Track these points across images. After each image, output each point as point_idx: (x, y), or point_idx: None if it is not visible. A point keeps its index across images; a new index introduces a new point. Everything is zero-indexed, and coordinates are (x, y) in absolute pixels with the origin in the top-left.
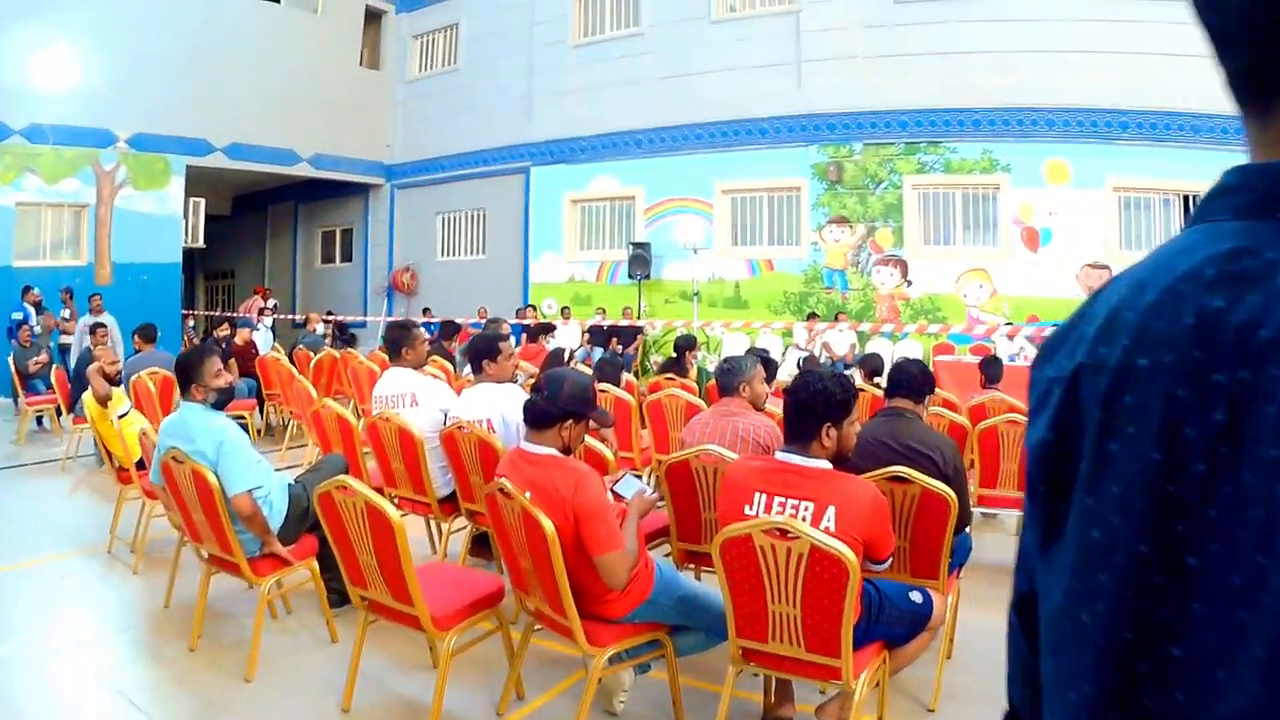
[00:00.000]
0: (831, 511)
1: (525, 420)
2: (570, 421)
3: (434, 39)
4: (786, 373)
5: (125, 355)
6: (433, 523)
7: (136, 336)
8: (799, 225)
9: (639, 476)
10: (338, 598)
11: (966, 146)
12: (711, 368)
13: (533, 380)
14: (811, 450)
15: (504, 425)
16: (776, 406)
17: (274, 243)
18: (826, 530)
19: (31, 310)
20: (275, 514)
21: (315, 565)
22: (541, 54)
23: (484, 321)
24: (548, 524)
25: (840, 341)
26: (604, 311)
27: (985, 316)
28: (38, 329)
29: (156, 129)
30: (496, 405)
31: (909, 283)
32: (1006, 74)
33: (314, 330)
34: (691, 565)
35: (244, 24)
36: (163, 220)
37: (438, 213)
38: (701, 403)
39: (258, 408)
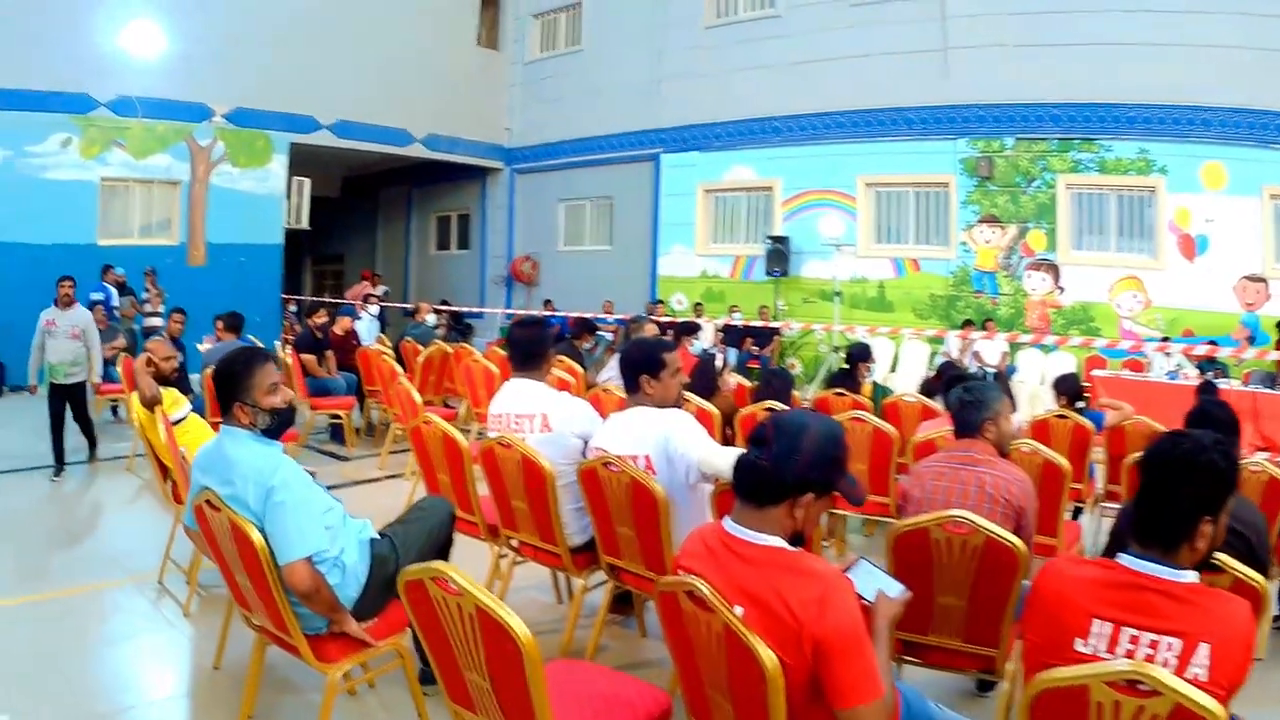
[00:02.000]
0: (1204, 651)
1: (738, 490)
2: (810, 496)
3: (555, 19)
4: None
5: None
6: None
7: (219, 324)
8: (947, 223)
9: (877, 565)
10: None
11: (1122, 145)
12: (880, 378)
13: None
14: (1180, 557)
15: (667, 465)
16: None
17: (386, 227)
18: (1195, 680)
19: (113, 291)
20: (350, 578)
21: (406, 643)
22: (671, 35)
23: (619, 319)
24: (768, 658)
25: (991, 349)
26: (738, 309)
27: (1139, 329)
28: (118, 311)
29: (256, 104)
30: (658, 437)
31: (1060, 289)
32: (1162, 68)
33: (423, 320)
34: (909, 659)
35: None
36: (264, 200)
37: (560, 199)
38: (885, 427)
39: (357, 405)
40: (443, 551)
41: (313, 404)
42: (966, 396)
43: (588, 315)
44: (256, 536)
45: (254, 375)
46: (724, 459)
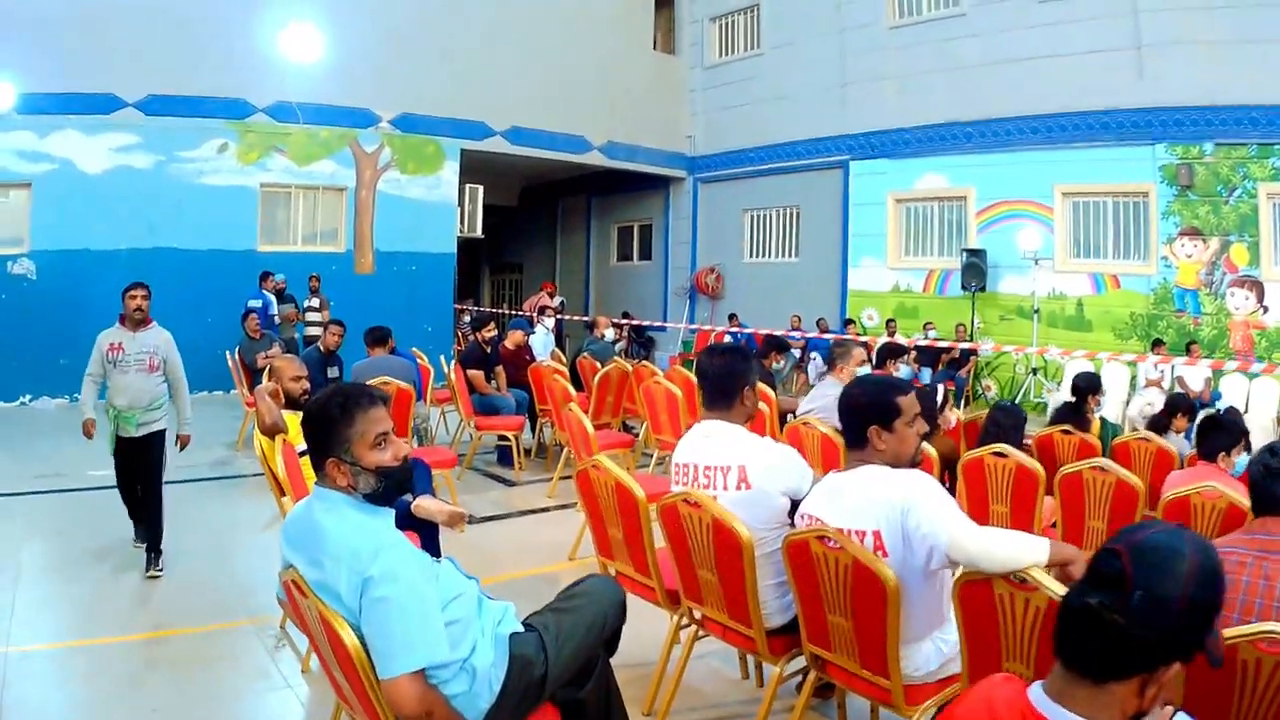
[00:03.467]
0: None
1: (1064, 652)
2: (1176, 666)
3: (733, 21)
4: (1138, 411)
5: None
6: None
7: (366, 342)
8: (1148, 236)
9: None
10: None
11: None
12: (1113, 414)
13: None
14: None
15: (902, 544)
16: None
17: (565, 237)
18: None
19: (272, 298)
20: (482, 685)
21: None
22: (853, 37)
23: (817, 337)
24: None
25: (1195, 375)
26: (933, 326)
27: None
28: (276, 319)
29: (424, 109)
30: (893, 509)
31: (1264, 308)
32: None
33: (601, 336)
34: None
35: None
36: (435, 207)
37: (745, 209)
38: (1130, 479)
39: (528, 425)
40: (608, 647)
41: (479, 424)
42: (1275, 464)
43: (777, 332)
44: (350, 639)
45: (355, 422)
46: (980, 544)
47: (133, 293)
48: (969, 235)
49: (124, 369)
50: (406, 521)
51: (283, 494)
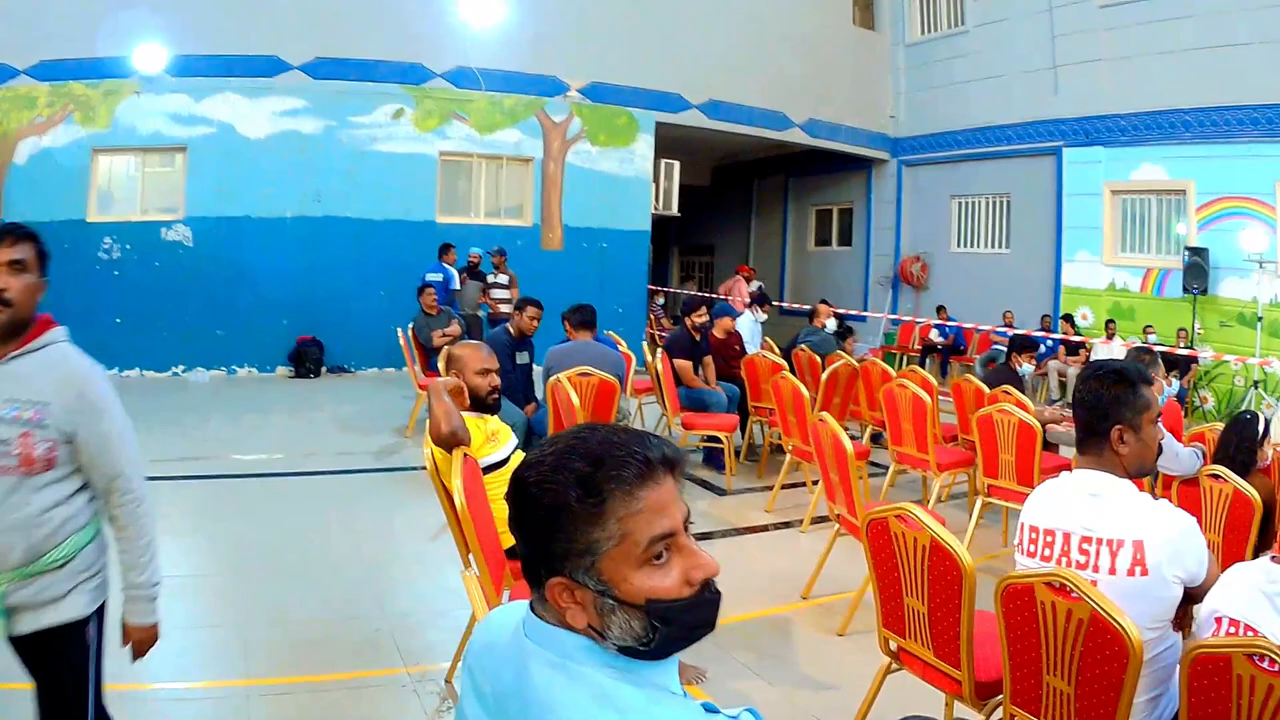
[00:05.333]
0: None
1: None
2: None
3: None
4: None
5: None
6: None
7: (568, 323)
8: None
9: None
10: None
11: None
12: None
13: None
14: None
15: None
16: None
17: (760, 219)
18: None
19: (454, 274)
20: None
21: None
22: (1063, 15)
23: (1047, 336)
24: None
25: None
26: (1153, 330)
27: None
28: (458, 297)
29: (616, 79)
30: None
31: None
32: None
33: (822, 326)
34: None
35: None
36: (628, 182)
37: (953, 196)
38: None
39: (739, 425)
40: None
41: (686, 421)
42: None
43: (983, 327)
44: None
45: (613, 514)
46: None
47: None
48: (1189, 232)
49: None
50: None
51: (462, 533)
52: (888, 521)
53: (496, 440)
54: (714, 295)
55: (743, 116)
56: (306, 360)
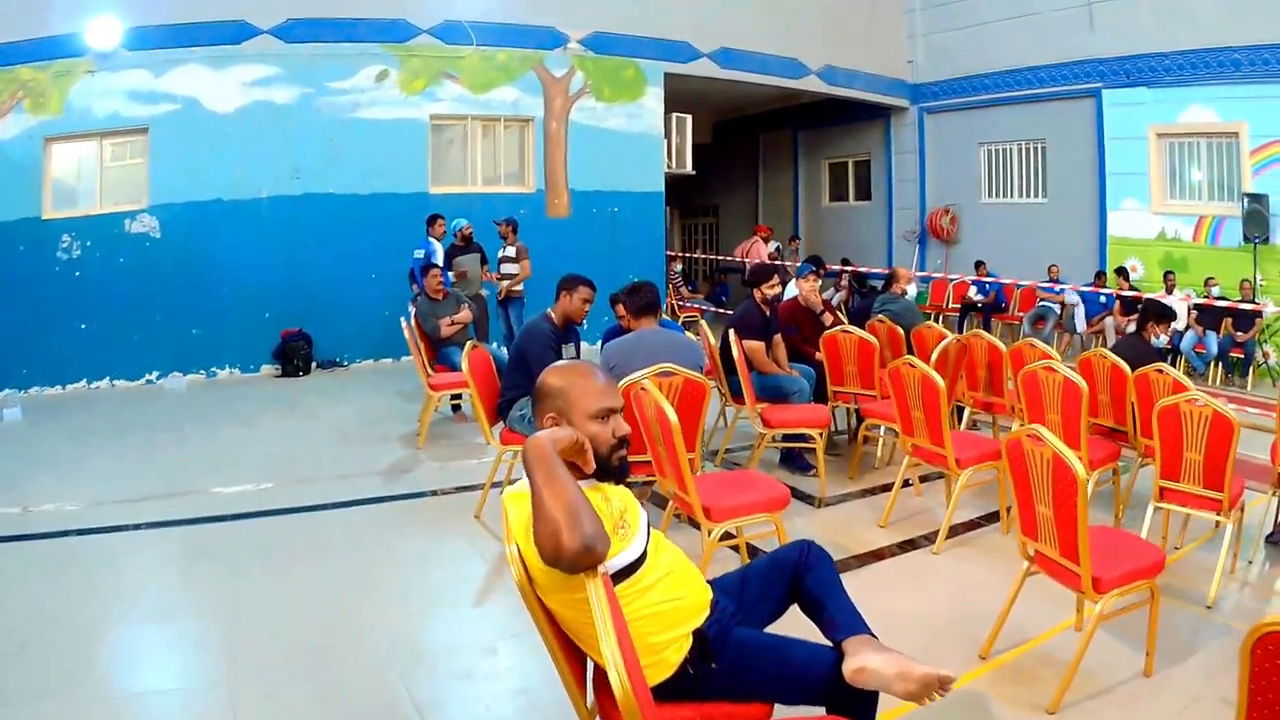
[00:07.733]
0: None
1: None
2: None
3: None
4: None
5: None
6: None
7: (623, 308)
8: None
9: None
10: None
11: None
12: None
13: None
14: None
15: None
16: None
17: (768, 176)
18: None
19: (436, 247)
20: None
21: None
22: None
23: (1095, 293)
24: None
25: None
26: (1215, 282)
27: None
28: (452, 275)
29: (620, 28)
30: None
31: None
32: None
33: (903, 293)
34: None
35: None
36: (638, 139)
37: (981, 143)
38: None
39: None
40: None
41: (767, 417)
42: None
43: (1024, 282)
44: None
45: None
46: None
47: None
48: (1243, 177)
49: None
50: None
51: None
52: (1021, 441)
53: (626, 528)
54: (726, 259)
55: (756, 65)
56: (294, 356)
